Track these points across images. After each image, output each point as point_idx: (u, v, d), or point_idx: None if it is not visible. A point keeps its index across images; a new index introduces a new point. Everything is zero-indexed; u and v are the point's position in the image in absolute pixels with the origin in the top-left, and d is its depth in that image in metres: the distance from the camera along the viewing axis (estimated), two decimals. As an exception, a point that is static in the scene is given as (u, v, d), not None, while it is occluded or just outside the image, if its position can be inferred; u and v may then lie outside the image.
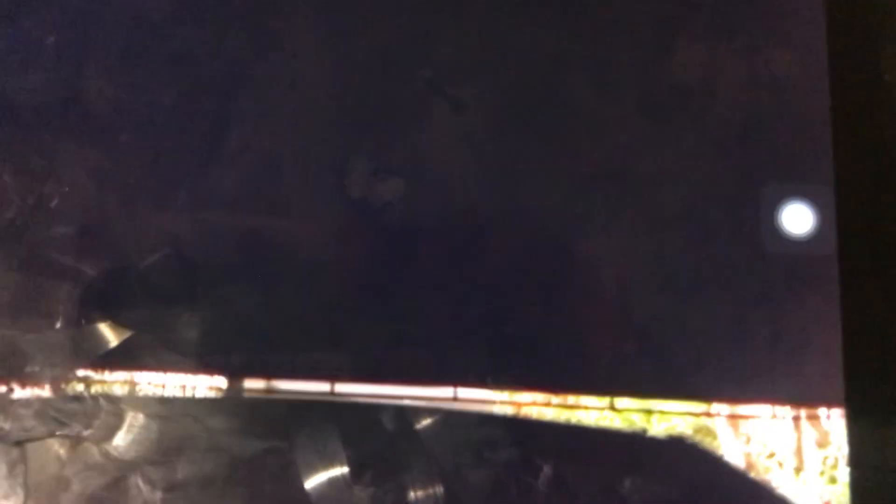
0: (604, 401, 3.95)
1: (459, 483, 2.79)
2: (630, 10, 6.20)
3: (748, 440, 9.94)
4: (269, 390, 3.35)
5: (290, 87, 3.52)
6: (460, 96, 3.46)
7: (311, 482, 2.67)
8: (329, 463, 2.71)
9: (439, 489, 2.74)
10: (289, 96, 3.47)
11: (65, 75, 3.14)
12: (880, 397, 2.77)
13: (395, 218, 3.11)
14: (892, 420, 2.72)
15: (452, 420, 3.12)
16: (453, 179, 3.53)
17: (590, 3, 5.22)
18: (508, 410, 3.42)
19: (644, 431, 3.15)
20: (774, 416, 4.08)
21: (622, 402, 3.75)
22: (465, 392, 4.16)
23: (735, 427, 9.65)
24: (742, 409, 4.51)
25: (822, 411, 4.50)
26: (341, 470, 2.68)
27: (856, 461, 2.76)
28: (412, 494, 2.70)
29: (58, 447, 2.76)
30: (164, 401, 3.11)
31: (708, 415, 4.07)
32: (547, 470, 2.87)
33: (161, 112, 3.22)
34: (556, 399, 3.76)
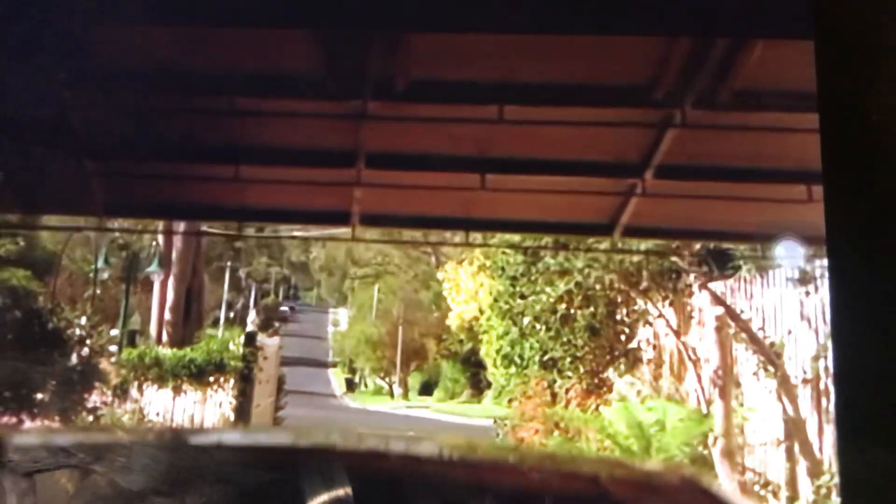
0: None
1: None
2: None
3: (743, 470, 9.89)
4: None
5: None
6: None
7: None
8: (333, 493, 2.70)
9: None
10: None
11: None
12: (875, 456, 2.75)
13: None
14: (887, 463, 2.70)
15: (453, 454, 3.12)
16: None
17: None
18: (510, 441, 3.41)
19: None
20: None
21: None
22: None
23: (730, 458, 9.60)
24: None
25: (814, 441, 4.47)
26: (346, 499, 2.67)
27: (848, 490, 2.75)
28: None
29: (66, 479, 2.75)
30: (172, 432, 3.10)
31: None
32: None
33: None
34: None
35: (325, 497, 2.63)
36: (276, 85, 7.03)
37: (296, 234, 28.36)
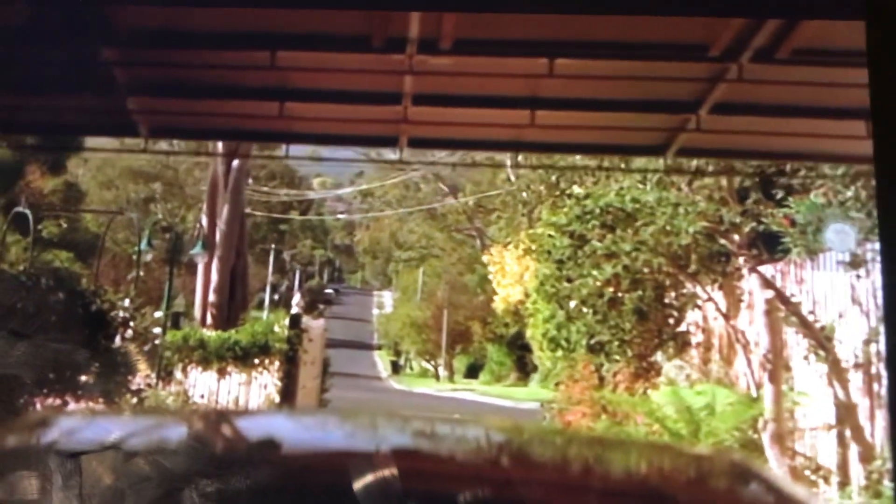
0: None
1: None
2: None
3: (794, 455, 9.84)
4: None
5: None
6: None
7: (360, 487, 2.65)
8: (379, 474, 2.69)
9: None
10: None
11: None
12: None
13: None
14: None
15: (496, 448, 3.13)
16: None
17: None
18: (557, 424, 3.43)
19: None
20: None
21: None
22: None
23: (781, 443, 9.53)
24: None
25: (865, 426, 4.45)
26: (390, 473, 2.67)
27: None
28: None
29: (112, 460, 2.76)
30: (216, 413, 3.11)
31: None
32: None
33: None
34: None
35: (370, 478, 2.63)
36: (319, 41, 7.12)
37: (340, 215, 28.43)
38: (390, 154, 17.39)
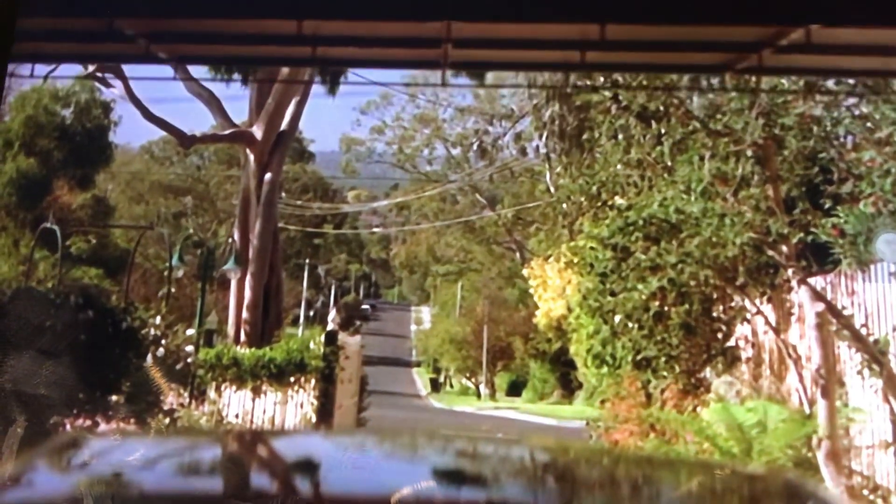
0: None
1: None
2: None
3: (850, 474, 9.70)
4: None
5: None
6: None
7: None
8: (417, 485, 2.65)
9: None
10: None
11: None
12: None
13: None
14: None
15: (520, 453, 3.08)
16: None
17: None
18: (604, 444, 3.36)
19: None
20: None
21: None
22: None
23: (836, 461, 9.38)
24: None
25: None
26: (429, 492, 2.61)
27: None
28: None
29: (143, 482, 2.72)
30: (251, 434, 3.05)
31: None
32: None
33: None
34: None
35: (407, 489, 2.58)
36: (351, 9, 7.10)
37: (375, 229, 28.46)
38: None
